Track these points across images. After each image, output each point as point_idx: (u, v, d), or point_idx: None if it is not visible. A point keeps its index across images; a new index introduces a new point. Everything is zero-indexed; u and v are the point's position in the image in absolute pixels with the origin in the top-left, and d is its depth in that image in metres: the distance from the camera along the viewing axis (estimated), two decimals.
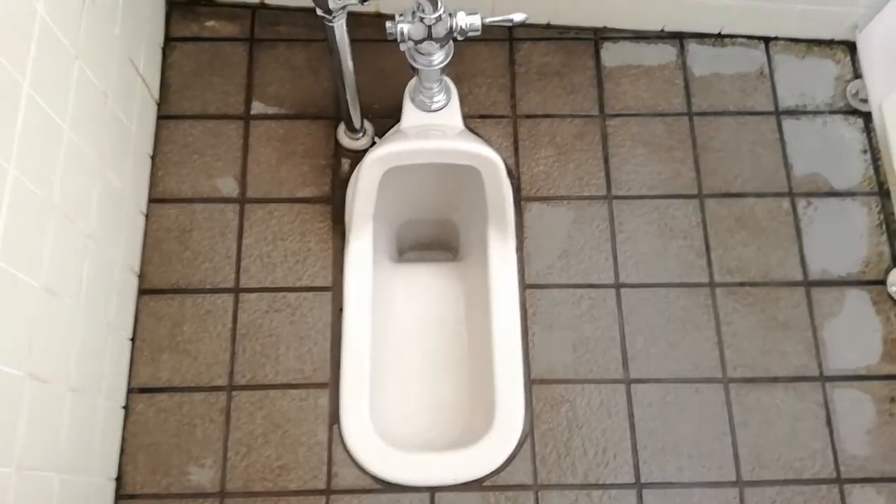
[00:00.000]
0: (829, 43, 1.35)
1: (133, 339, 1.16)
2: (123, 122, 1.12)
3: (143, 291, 1.18)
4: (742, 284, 1.21)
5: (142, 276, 1.19)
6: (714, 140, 1.29)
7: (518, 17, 1.01)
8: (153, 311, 1.17)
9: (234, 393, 1.14)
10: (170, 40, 1.30)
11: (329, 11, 0.94)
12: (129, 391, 1.13)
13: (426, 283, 1.30)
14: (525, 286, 1.21)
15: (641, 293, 1.20)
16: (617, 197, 1.26)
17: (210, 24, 1.31)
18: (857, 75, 1.33)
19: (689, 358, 1.17)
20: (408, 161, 1.11)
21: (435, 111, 1.16)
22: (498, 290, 1.18)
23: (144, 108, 1.21)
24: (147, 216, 1.21)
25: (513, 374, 1.12)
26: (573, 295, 1.20)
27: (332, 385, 1.14)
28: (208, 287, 1.19)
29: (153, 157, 1.24)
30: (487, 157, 1.10)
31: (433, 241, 1.45)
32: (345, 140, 1.26)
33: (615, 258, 1.22)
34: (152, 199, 1.22)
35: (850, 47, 1.35)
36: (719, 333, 1.18)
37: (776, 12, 1.31)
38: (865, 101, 1.30)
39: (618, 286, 1.21)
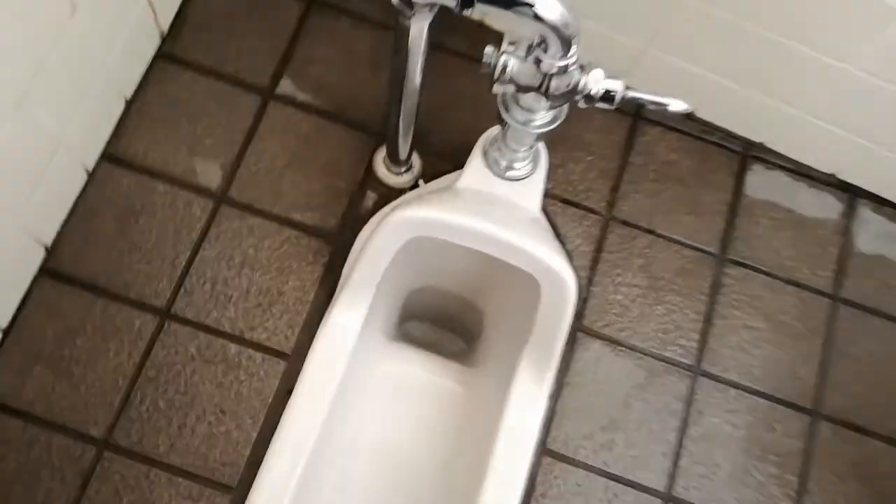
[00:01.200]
0: None
1: (6, 332, 0.83)
2: (98, 49, 0.80)
3: (45, 271, 0.86)
4: None
5: (51, 253, 0.86)
6: (856, 346, 0.93)
7: (677, 105, 0.66)
8: (48, 302, 0.85)
9: (106, 454, 0.81)
10: None
11: (410, 5, 0.61)
12: None
13: (420, 387, 0.96)
14: (544, 450, 0.87)
15: None
16: (706, 374, 0.91)
17: None
18: None
19: None
20: (449, 238, 0.77)
21: (510, 180, 0.82)
22: (506, 444, 0.84)
23: (140, 38, 0.89)
24: (91, 175, 0.89)
25: None
26: (606, 489, 0.85)
27: (239, 495, 0.81)
28: (132, 296, 0.86)
29: (130, 103, 0.92)
30: (559, 275, 0.76)
31: (446, 318, 1.11)
32: (381, 169, 0.93)
33: (676, 459, 0.87)
34: (106, 156, 0.90)
35: None
36: None
37: None
38: None
39: (668, 499, 0.86)
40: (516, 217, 0.80)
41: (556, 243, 0.83)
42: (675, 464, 0.87)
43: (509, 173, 0.81)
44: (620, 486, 0.85)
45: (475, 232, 0.75)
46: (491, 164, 0.82)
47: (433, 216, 0.75)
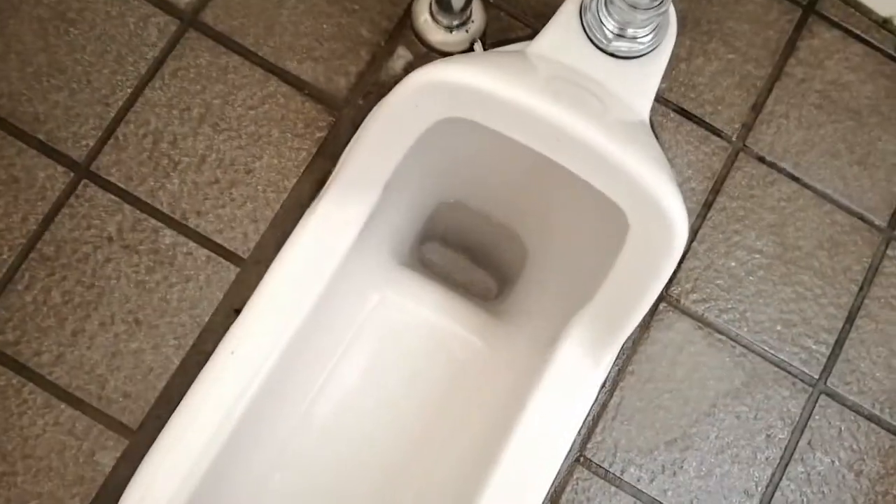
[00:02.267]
0: None
1: None
2: None
3: None
4: None
5: None
6: None
7: None
8: None
9: None
10: None
11: None
12: None
13: (424, 332, 0.70)
14: (580, 458, 0.61)
15: None
16: (831, 394, 0.63)
17: None
18: None
19: None
20: (500, 126, 0.49)
21: (614, 56, 0.53)
22: (529, 436, 0.58)
23: None
24: None
25: None
26: None
27: (138, 443, 0.57)
28: (40, 136, 0.60)
29: None
30: (664, 212, 0.47)
31: (476, 248, 0.84)
32: (423, 17, 0.64)
33: (766, 503, 0.61)
34: None
35: None
36: None
37: None
38: None
39: None
40: (613, 113, 0.51)
41: (666, 164, 0.53)
42: None
43: (617, 44, 0.52)
44: None
45: (543, 120, 0.47)
46: (591, 27, 0.52)
47: (480, 84, 0.47)
